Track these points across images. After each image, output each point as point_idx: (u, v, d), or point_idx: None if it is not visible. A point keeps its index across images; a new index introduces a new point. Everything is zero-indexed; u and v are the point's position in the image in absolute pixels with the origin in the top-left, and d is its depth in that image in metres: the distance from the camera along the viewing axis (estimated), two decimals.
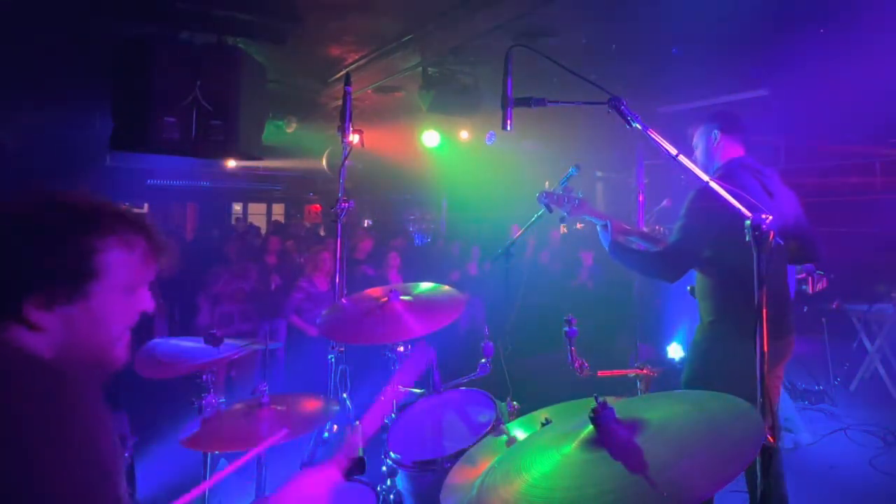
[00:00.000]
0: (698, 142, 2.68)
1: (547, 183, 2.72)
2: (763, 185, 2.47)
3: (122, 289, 0.97)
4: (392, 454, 2.25)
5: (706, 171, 2.59)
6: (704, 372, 2.44)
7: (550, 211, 2.71)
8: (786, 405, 4.38)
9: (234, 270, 5.46)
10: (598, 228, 2.68)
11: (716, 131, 2.59)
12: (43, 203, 0.93)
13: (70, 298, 0.91)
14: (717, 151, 2.61)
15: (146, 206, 11.50)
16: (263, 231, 11.49)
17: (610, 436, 1.19)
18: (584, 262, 7.07)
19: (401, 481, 2.26)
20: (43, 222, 0.91)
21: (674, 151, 1.58)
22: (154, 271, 1.02)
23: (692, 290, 2.62)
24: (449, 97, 5.15)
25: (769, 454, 1.34)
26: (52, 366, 0.90)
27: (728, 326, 2.38)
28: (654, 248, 2.62)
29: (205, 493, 2.28)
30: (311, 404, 2.30)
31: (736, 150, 2.58)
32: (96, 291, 0.93)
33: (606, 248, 2.63)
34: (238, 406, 2.27)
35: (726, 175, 2.45)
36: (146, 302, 1.03)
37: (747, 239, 1.45)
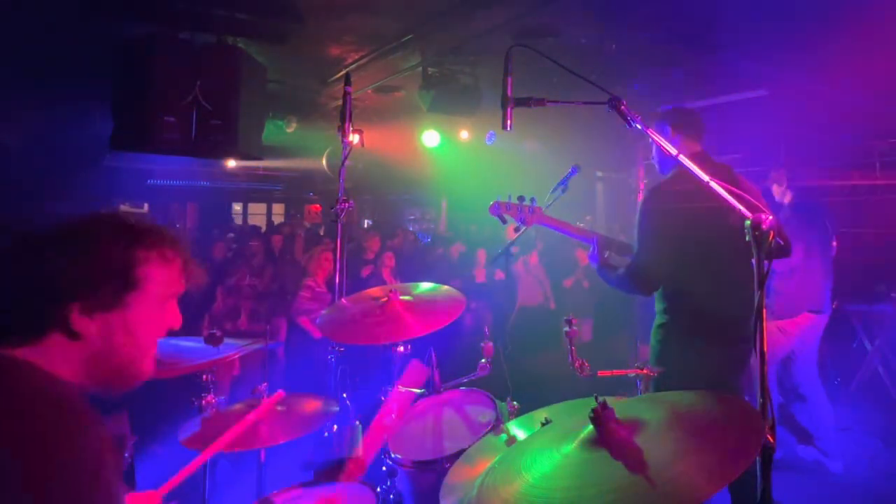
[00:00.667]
0: (654, 142, 2.63)
1: (499, 196, 2.68)
2: (728, 180, 2.43)
3: (157, 301, 1.03)
4: (392, 454, 2.25)
5: (663, 171, 2.56)
6: (662, 374, 2.39)
7: (504, 222, 2.68)
8: (825, 425, 4.09)
9: (253, 267, 5.50)
10: (588, 251, 2.64)
11: (668, 129, 2.51)
12: (91, 218, 1.00)
13: (111, 306, 0.97)
14: (677, 144, 2.48)
15: (146, 206, 11.50)
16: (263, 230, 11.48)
17: (610, 436, 1.19)
18: (579, 262, 7.07)
19: (401, 481, 2.26)
20: (90, 233, 0.97)
21: (674, 151, 1.58)
22: (183, 287, 1.09)
23: None
24: (449, 97, 5.15)
25: (769, 454, 1.34)
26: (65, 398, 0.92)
27: (676, 329, 2.35)
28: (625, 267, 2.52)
29: (205, 493, 2.29)
30: (311, 404, 2.30)
31: (691, 147, 2.49)
32: (135, 302, 0.99)
33: (595, 269, 2.60)
34: (238, 406, 2.27)
35: (684, 172, 2.41)
36: (176, 317, 1.09)
37: (747, 239, 1.44)
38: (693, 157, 2.44)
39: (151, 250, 1.01)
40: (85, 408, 0.93)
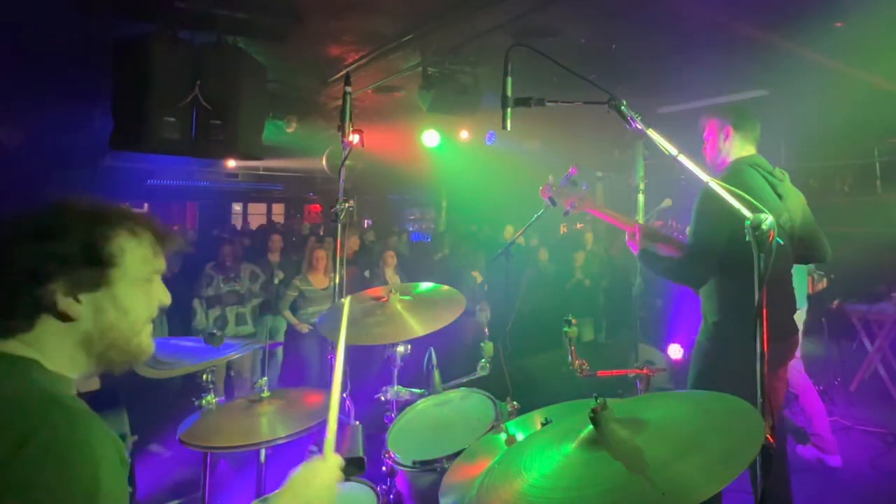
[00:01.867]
0: (709, 136, 2.62)
1: (551, 178, 2.69)
2: (772, 186, 2.45)
3: (140, 278, 1.05)
4: (392, 454, 2.25)
5: (714, 168, 2.57)
6: (708, 372, 2.43)
7: (555, 204, 2.68)
8: (820, 420, 4.10)
9: (226, 274, 5.47)
10: (626, 236, 2.64)
11: (728, 127, 2.53)
12: (51, 205, 1.02)
13: (93, 285, 0.99)
14: (726, 148, 2.55)
15: (146, 205, 11.51)
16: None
17: (610, 436, 1.19)
18: (576, 262, 7.08)
19: (401, 481, 2.26)
20: (56, 216, 0.99)
21: (674, 151, 1.58)
22: (164, 261, 1.10)
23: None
24: (449, 97, 5.14)
25: (769, 454, 1.33)
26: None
27: (731, 327, 2.37)
28: (677, 255, 2.55)
29: (205, 493, 2.28)
30: (312, 399, 2.30)
31: (746, 149, 2.53)
32: (116, 279, 1.01)
33: (636, 255, 2.61)
34: (237, 402, 2.27)
35: (733, 174, 2.43)
36: (163, 294, 1.11)
37: (747, 239, 1.44)
38: (741, 161, 2.49)
39: (117, 227, 1.03)
40: (84, 406, 0.94)
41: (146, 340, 1.08)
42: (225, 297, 5.38)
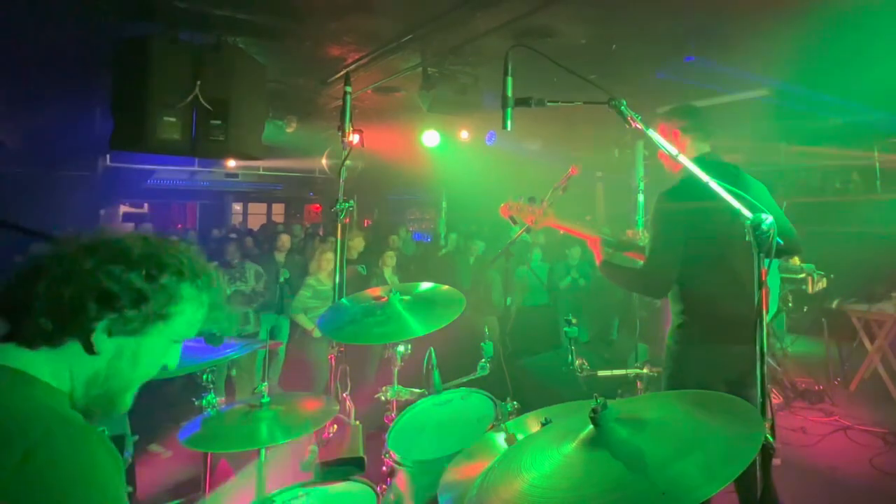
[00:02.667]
0: (671, 134, 2.54)
1: (510, 198, 2.68)
2: (732, 181, 2.43)
3: (172, 339, 1.03)
4: (392, 454, 2.25)
5: (671, 171, 2.55)
6: (678, 374, 2.40)
7: (514, 223, 2.68)
8: None
9: (230, 273, 5.47)
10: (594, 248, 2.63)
11: (675, 130, 2.49)
12: (150, 239, 1.00)
13: (134, 330, 0.96)
14: (692, 146, 2.50)
15: (146, 206, 11.51)
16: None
17: (610, 436, 1.19)
18: (570, 261, 7.06)
19: (401, 481, 2.26)
20: (149, 255, 0.97)
21: (674, 151, 1.58)
22: (195, 333, 1.08)
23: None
24: (449, 97, 5.14)
25: (769, 454, 1.34)
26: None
27: (696, 328, 2.34)
28: (637, 265, 2.52)
29: (205, 493, 2.29)
30: (311, 404, 2.30)
31: (699, 148, 2.49)
32: (153, 334, 0.98)
33: (598, 266, 2.60)
34: (238, 406, 2.27)
35: (690, 175, 2.41)
36: (174, 358, 1.08)
37: (747, 239, 1.44)
38: (700, 158, 2.43)
39: (196, 290, 1.01)
40: (86, 423, 0.92)
41: (129, 399, 1.04)
42: (230, 296, 5.39)
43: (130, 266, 0.95)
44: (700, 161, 2.44)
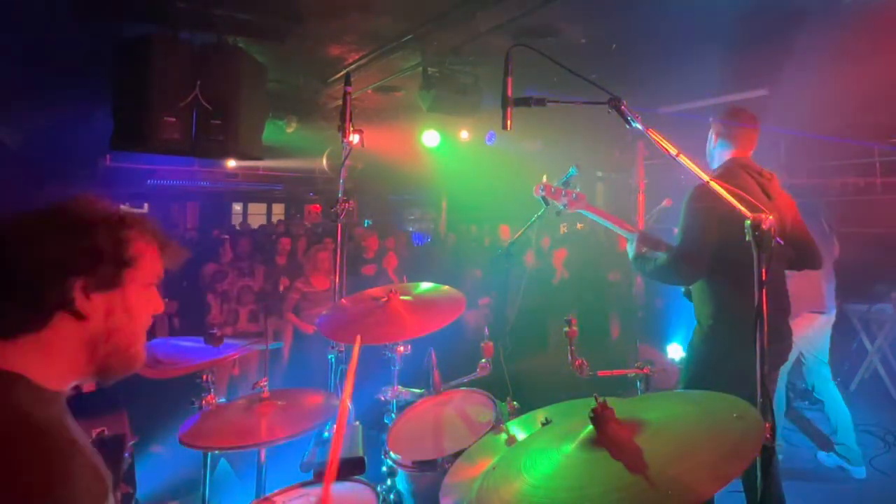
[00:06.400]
0: (709, 137, 2.67)
1: (545, 177, 2.68)
2: (762, 187, 2.45)
3: (147, 283, 1.08)
4: (392, 454, 2.25)
5: (708, 168, 2.59)
6: (702, 375, 2.42)
7: (547, 204, 2.68)
8: (843, 428, 4.00)
9: (241, 269, 5.49)
10: (629, 242, 2.65)
11: (722, 128, 2.57)
12: (77, 200, 1.03)
13: (111, 284, 1.01)
14: (719, 149, 2.59)
15: (146, 205, 11.50)
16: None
17: (610, 436, 1.19)
18: (556, 260, 7.05)
19: (401, 481, 2.26)
20: (82, 213, 1.01)
21: (674, 151, 1.58)
22: (163, 270, 1.12)
23: (687, 292, 2.59)
24: (449, 97, 5.14)
25: (769, 454, 1.34)
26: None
27: (726, 330, 2.36)
28: (665, 255, 2.52)
29: (205, 493, 2.28)
30: (312, 400, 2.30)
31: (739, 150, 2.54)
32: (130, 281, 1.04)
33: (630, 259, 2.61)
34: (238, 402, 2.27)
35: (725, 174, 2.43)
36: (158, 302, 1.12)
37: (747, 239, 1.44)
38: (731, 162, 2.51)
39: (136, 229, 1.06)
40: (68, 434, 0.92)
41: (142, 349, 1.09)
42: (239, 292, 5.42)
43: (65, 227, 0.98)
44: (734, 162, 2.51)
